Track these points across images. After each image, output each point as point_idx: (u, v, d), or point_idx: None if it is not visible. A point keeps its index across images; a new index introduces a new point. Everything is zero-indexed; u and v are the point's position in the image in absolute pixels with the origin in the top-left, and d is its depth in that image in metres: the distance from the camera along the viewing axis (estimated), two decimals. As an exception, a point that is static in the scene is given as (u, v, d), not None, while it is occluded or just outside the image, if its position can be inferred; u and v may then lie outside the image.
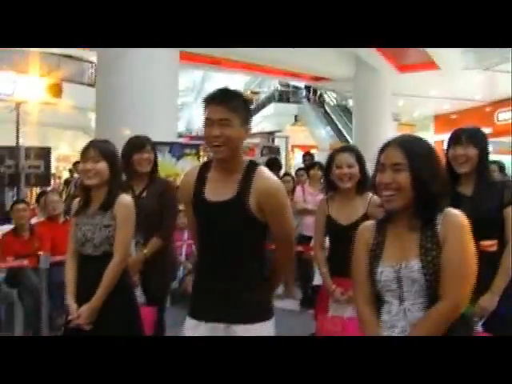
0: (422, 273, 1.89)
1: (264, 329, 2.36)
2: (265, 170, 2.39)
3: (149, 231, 3.60)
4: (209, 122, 2.31)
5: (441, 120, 20.84)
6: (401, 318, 1.95)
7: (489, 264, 2.73)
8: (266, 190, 2.31)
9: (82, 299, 2.90)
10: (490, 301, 2.81)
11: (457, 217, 1.93)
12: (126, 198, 3.00)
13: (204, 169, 2.46)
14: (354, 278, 2.12)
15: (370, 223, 2.13)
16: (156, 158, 3.87)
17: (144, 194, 3.73)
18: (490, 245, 2.83)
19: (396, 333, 1.94)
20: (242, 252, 2.36)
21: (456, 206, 2.84)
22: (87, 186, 2.97)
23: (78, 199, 3.09)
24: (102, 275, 2.87)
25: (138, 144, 3.78)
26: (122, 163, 3.54)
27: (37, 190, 11.03)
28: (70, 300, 2.94)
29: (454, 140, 2.98)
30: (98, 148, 2.95)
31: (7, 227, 6.61)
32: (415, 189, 1.90)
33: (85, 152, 2.95)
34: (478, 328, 2.79)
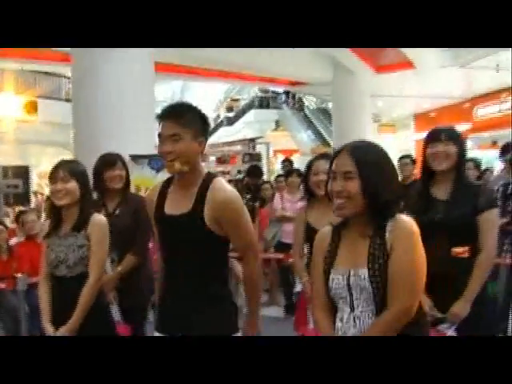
0: (370, 281, 1.88)
1: None
2: (220, 181, 2.39)
3: (123, 249, 3.57)
4: (161, 138, 2.34)
5: (421, 119, 20.96)
6: (351, 326, 1.95)
7: (461, 270, 2.75)
8: (221, 201, 2.30)
9: (58, 321, 2.87)
10: (462, 308, 2.77)
11: (405, 224, 1.91)
12: (99, 218, 2.97)
13: (166, 184, 2.49)
14: (312, 284, 2.13)
15: (327, 229, 2.10)
16: (128, 174, 3.85)
17: (117, 212, 3.70)
18: (462, 251, 2.81)
19: None
20: (200, 266, 2.34)
21: (428, 210, 2.88)
22: (58, 206, 2.94)
23: (48, 221, 3.06)
24: (77, 296, 2.83)
25: (108, 161, 3.75)
26: (94, 181, 3.54)
27: (19, 209, 10.98)
28: (46, 323, 2.90)
29: (433, 137, 2.96)
30: (66, 168, 2.92)
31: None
32: (366, 196, 1.90)
33: (53, 173, 2.92)
34: (451, 333, 2.78)
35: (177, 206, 2.37)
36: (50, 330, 2.87)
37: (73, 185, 2.89)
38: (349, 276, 1.93)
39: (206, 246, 2.33)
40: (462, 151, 2.92)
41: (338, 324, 1.99)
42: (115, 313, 3.41)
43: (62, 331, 2.82)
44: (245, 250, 2.44)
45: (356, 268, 1.92)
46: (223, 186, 2.36)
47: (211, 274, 2.38)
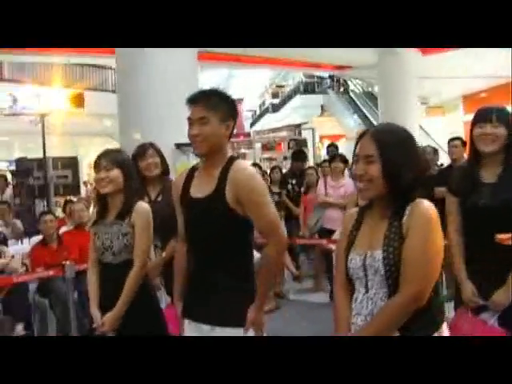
0: (383, 263, 1.89)
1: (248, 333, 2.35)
2: (241, 162, 2.45)
3: (166, 235, 3.63)
4: (189, 122, 2.40)
5: (470, 100, 20.39)
6: (364, 306, 1.96)
7: (503, 258, 2.64)
8: (240, 180, 2.34)
9: (105, 306, 2.96)
10: (504, 296, 2.68)
11: (424, 208, 1.90)
12: (143, 206, 3.03)
13: (193, 169, 2.55)
14: (335, 262, 2.17)
15: (354, 210, 2.16)
16: (164, 161, 3.92)
17: (159, 199, 3.79)
18: (507, 238, 2.65)
19: (359, 320, 1.97)
20: (224, 247, 2.37)
21: (473, 193, 2.79)
22: (103, 195, 3.01)
23: (95, 209, 3.14)
24: (122, 283, 2.91)
25: (140, 151, 3.89)
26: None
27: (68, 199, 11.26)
28: (94, 308, 3.00)
29: (481, 118, 2.84)
30: (109, 157, 2.99)
31: (37, 238, 6.77)
32: (387, 180, 1.90)
33: (97, 162, 3.00)
34: (493, 323, 2.70)
35: (201, 188, 2.42)
36: (97, 315, 2.96)
37: (116, 173, 2.95)
38: (365, 257, 1.95)
39: (230, 227, 2.35)
40: (511, 133, 2.78)
41: (353, 304, 2.01)
42: (163, 297, 3.50)
43: (108, 317, 2.91)
44: (267, 232, 2.40)
45: (372, 249, 1.93)
46: (243, 166, 2.42)
47: (234, 257, 2.39)
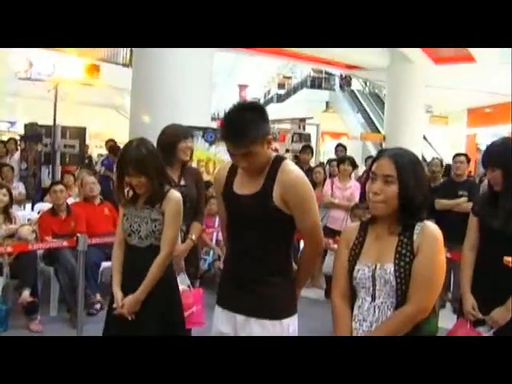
0: (395, 276, 2.06)
1: (283, 326, 2.44)
2: (289, 164, 2.46)
3: (189, 218, 3.72)
4: (232, 155, 2.40)
5: (474, 113, 20.53)
6: (371, 314, 2.12)
7: (507, 278, 2.83)
8: (289, 182, 2.38)
9: (126, 287, 2.99)
10: (502, 314, 2.88)
11: (433, 230, 2.09)
12: (175, 194, 3.05)
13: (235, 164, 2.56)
14: (333, 272, 2.31)
15: (355, 224, 2.32)
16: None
17: (182, 182, 3.81)
18: None
19: (364, 326, 2.13)
20: (267, 243, 2.43)
21: (491, 216, 2.96)
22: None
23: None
24: (147, 267, 2.94)
25: (184, 133, 3.83)
26: (165, 151, 3.53)
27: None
28: (116, 288, 3.02)
29: (484, 164, 3.13)
30: (132, 165, 2.95)
31: (44, 205, 6.84)
32: (401, 200, 2.06)
33: (124, 166, 3.00)
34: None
35: (246, 185, 2.46)
36: (118, 295, 2.98)
37: (143, 180, 2.95)
38: (375, 269, 2.11)
39: (273, 225, 2.41)
40: (508, 173, 2.95)
41: (356, 311, 2.17)
42: (185, 279, 3.58)
43: (129, 299, 2.94)
44: (308, 234, 2.51)
45: (382, 262, 2.10)
46: (293, 168, 2.45)
47: (276, 252, 2.47)
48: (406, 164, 2.08)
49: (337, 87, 24.62)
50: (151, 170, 2.96)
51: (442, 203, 6.25)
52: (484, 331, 2.91)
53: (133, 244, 3.03)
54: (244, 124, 2.29)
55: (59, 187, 5.96)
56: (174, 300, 3.11)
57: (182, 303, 3.17)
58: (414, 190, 2.06)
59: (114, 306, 3.00)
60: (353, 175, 7.01)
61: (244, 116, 2.31)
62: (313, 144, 13.01)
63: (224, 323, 2.53)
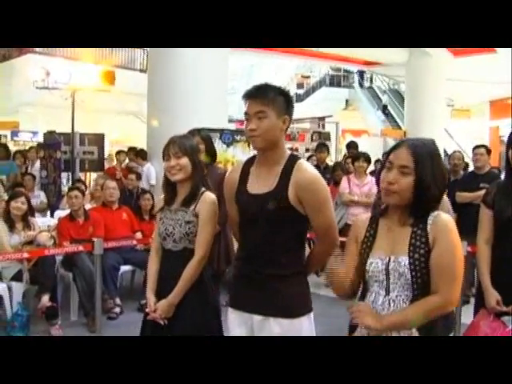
0: (409, 268, 2.00)
1: (301, 324, 2.41)
2: (304, 163, 2.45)
3: None
4: (247, 117, 2.42)
5: (497, 105, 20.22)
6: (386, 308, 2.05)
7: None
8: (304, 182, 2.36)
9: (161, 292, 2.94)
10: None
11: (448, 221, 2.03)
12: (210, 196, 2.98)
13: (248, 163, 2.55)
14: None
15: (365, 217, 2.25)
16: (208, 145, 3.98)
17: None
18: None
19: None
20: (280, 243, 2.40)
21: (508, 208, 2.89)
22: (171, 182, 2.98)
23: (162, 196, 3.09)
24: (180, 271, 2.89)
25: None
26: None
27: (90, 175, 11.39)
28: (150, 293, 2.97)
29: None
30: (178, 144, 2.94)
31: (63, 212, 6.89)
32: (416, 191, 2.00)
33: (166, 149, 2.96)
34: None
35: (260, 184, 2.43)
36: (152, 299, 2.93)
37: (185, 160, 2.92)
38: (388, 261, 2.04)
39: (288, 224, 2.39)
40: None
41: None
42: None
43: (162, 304, 2.89)
44: (322, 233, 2.48)
45: (396, 255, 2.04)
46: (308, 168, 2.43)
47: (288, 253, 2.43)
48: (424, 156, 2.00)
49: (356, 84, 24.46)
50: (193, 153, 2.98)
51: (462, 196, 6.15)
52: (507, 321, 2.83)
53: (168, 248, 2.98)
54: (266, 86, 2.44)
55: (74, 193, 5.99)
56: (209, 303, 3.00)
57: (219, 307, 3.09)
58: (429, 184, 1.98)
59: (147, 310, 2.95)
60: (368, 171, 6.97)
61: (269, 84, 2.46)
62: (333, 142, 12.96)
63: (239, 326, 2.51)
